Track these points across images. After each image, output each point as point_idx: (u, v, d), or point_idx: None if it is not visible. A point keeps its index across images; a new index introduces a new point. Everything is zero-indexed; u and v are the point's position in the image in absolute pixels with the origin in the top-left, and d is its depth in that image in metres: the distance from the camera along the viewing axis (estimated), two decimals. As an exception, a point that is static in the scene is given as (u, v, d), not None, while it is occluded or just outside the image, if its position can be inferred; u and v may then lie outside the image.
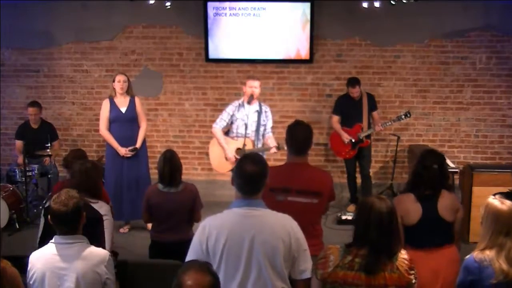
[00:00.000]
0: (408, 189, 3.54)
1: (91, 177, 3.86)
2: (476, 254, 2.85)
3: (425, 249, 3.39)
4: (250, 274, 2.56)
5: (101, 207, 3.76)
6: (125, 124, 5.89)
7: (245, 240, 2.55)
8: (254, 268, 2.55)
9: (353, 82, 6.48)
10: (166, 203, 4.20)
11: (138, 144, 5.91)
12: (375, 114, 6.66)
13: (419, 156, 3.62)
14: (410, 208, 3.42)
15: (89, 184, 3.80)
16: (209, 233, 2.58)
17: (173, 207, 4.18)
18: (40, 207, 6.39)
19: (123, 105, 5.90)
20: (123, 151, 5.83)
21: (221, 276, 2.52)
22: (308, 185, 3.36)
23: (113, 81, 5.91)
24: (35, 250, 3.04)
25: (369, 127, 6.59)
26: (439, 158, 3.51)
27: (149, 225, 4.73)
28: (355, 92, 6.47)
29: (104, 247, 3.57)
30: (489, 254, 2.80)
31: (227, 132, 5.80)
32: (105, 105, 5.90)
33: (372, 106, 6.65)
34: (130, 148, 5.84)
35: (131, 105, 5.93)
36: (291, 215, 3.27)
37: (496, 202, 2.87)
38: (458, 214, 3.48)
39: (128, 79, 5.96)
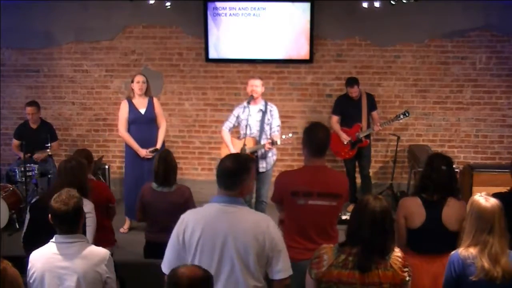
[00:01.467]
0: (416, 192, 3.53)
1: (76, 175, 3.87)
2: (460, 251, 2.88)
3: (425, 254, 3.38)
4: (223, 269, 2.59)
5: (85, 205, 3.77)
6: (144, 125, 5.88)
7: (219, 235, 2.58)
8: (227, 264, 2.58)
9: (352, 82, 6.48)
10: (158, 202, 4.21)
11: (158, 145, 5.92)
12: (374, 114, 6.66)
13: (427, 159, 3.62)
14: (414, 212, 3.41)
15: (75, 182, 3.80)
16: (186, 226, 2.63)
17: (164, 207, 4.18)
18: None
19: (141, 106, 5.88)
20: (143, 152, 5.81)
21: None
22: (329, 188, 3.39)
23: (132, 81, 5.90)
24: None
25: (368, 127, 6.59)
26: (447, 159, 3.52)
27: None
28: (353, 92, 6.47)
29: None
30: (473, 252, 2.83)
31: (239, 136, 5.85)
32: (124, 107, 5.87)
33: (372, 106, 6.65)
34: (151, 149, 5.82)
35: (150, 106, 5.92)
36: (313, 218, 3.32)
37: (481, 199, 2.91)
38: (464, 223, 3.35)
39: (147, 80, 5.93)
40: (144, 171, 5.84)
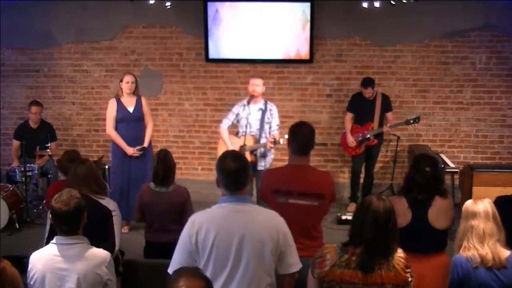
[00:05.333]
0: (401, 193, 3.53)
1: (93, 174, 3.92)
2: (462, 254, 3.00)
3: (411, 254, 3.36)
4: (238, 268, 2.58)
5: (109, 203, 3.82)
6: (132, 124, 5.90)
7: (234, 235, 2.57)
8: (243, 262, 2.58)
9: (366, 83, 6.46)
10: (156, 202, 4.23)
11: (145, 143, 5.94)
12: (389, 115, 6.63)
13: (412, 160, 3.65)
14: (400, 212, 3.37)
15: (93, 182, 3.85)
16: (198, 228, 2.60)
17: (162, 207, 4.20)
18: (41, 207, 6.40)
19: (130, 105, 5.91)
20: (131, 150, 5.82)
21: (209, 269, 2.57)
22: (310, 187, 3.36)
23: (121, 81, 5.92)
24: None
25: (380, 127, 6.60)
26: (432, 161, 3.54)
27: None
28: (367, 92, 6.47)
29: (114, 243, 3.61)
30: (473, 252, 2.95)
31: (237, 132, 5.88)
32: (112, 105, 5.89)
33: (386, 107, 6.62)
34: (138, 147, 5.84)
35: (138, 104, 5.95)
36: (292, 217, 3.29)
37: (469, 201, 3.14)
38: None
39: (136, 80, 5.97)
40: (131, 169, 5.87)
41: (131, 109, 5.90)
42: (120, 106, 5.87)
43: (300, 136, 3.44)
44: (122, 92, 5.89)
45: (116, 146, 5.92)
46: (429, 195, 3.41)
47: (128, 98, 5.91)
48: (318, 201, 3.37)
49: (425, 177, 3.42)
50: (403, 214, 3.39)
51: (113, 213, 3.73)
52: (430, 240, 3.38)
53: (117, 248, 3.74)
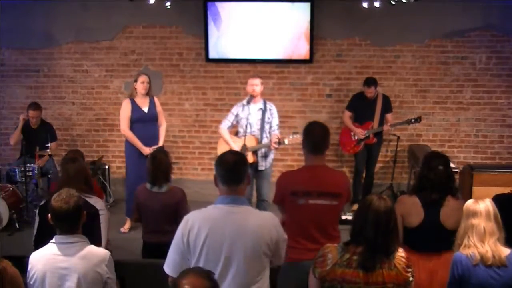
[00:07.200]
0: (414, 192, 3.50)
1: (83, 173, 3.92)
2: (462, 251, 3.01)
3: (423, 253, 3.38)
4: (229, 269, 2.59)
5: (97, 202, 3.81)
6: (147, 124, 5.98)
7: (226, 237, 2.58)
8: (234, 263, 2.58)
9: (369, 82, 6.49)
10: (151, 202, 4.20)
11: (160, 143, 6.03)
12: (389, 116, 6.67)
13: (423, 159, 3.60)
14: (412, 211, 3.40)
15: (82, 180, 3.85)
16: (191, 227, 2.62)
17: (156, 207, 4.18)
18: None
19: (144, 105, 5.98)
20: (147, 150, 5.83)
21: None
22: (328, 187, 3.39)
23: (135, 81, 5.97)
24: (32, 250, 3.04)
25: (379, 126, 6.60)
26: (444, 159, 3.51)
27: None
28: (369, 92, 6.48)
29: (100, 242, 3.60)
30: (473, 249, 2.97)
31: (236, 133, 5.89)
32: (126, 105, 5.94)
33: (387, 107, 6.66)
34: (155, 147, 5.84)
35: (152, 104, 6.03)
36: (314, 217, 3.35)
37: (470, 201, 3.15)
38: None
39: (150, 80, 6.00)
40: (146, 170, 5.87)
41: (146, 109, 5.97)
42: (135, 107, 5.93)
43: (313, 135, 3.47)
44: (136, 92, 5.94)
45: (130, 145, 5.96)
46: (442, 194, 3.39)
47: (142, 99, 5.97)
48: (337, 200, 3.41)
49: (438, 175, 3.39)
50: (416, 213, 3.39)
51: (100, 212, 3.73)
52: (441, 240, 3.37)
53: (103, 247, 3.74)
